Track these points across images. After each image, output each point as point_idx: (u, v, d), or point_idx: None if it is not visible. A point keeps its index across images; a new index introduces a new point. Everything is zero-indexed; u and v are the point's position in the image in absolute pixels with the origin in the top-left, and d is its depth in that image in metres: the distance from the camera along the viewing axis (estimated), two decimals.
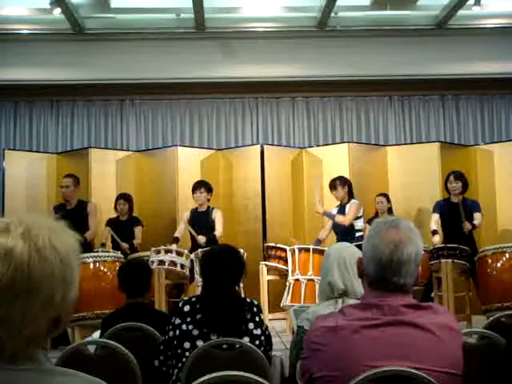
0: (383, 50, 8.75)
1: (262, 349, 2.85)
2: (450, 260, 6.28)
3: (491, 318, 3.68)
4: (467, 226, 6.52)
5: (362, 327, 1.92)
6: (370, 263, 1.99)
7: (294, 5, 8.50)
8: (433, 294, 6.57)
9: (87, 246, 6.58)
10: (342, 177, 7.30)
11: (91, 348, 3.43)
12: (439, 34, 8.80)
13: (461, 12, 8.32)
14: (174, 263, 6.35)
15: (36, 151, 9.02)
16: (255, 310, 2.90)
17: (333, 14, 8.37)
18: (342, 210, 7.17)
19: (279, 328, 6.73)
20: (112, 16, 8.56)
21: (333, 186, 7.20)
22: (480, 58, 8.79)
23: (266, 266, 6.86)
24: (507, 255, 6.14)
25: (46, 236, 1.16)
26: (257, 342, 2.84)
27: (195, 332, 2.81)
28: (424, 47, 8.79)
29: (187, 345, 2.79)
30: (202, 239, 6.80)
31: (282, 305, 6.45)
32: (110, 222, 7.49)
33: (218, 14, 8.56)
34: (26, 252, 1.12)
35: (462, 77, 8.95)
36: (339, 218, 6.95)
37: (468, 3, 8.01)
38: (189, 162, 8.29)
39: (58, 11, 7.83)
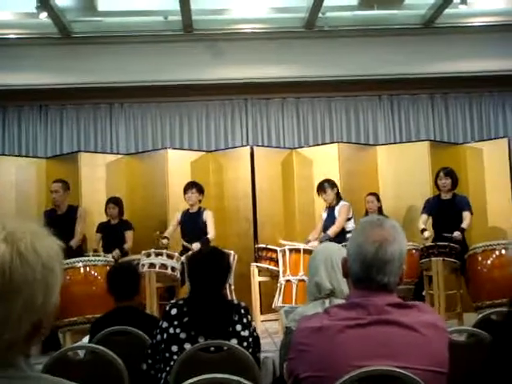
0: (371, 50, 8.76)
1: (251, 350, 2.85)
2: (440, 258, 6.29)
3: (480, 316, 3.69)
4: (457, 237, 6.50)
5: (347, 327, 1.92)
6: (354, 262, 1.99)
7: (282, 5, 8.50)
8: (424, 293, 6.58)
9: (73, 253, 6.51)
10: (330, 179, 7.33)
11: (81, 353, 3.42)
12: (427, 32, 8.81)
13: (447, 11, 8.35)
14: (164, 266, 6.32)
15: (25, 156, 8.98)
16: (242, 311, 2.90)
17: (320, 15, 8.38)
18: (331, 212, 7.18)
19: (272, 329, 6.72)
20: (99, 19, 8.53)
21: (322, 189, 7.21)
22: (468, 56, 8.82)
23: (258, 267, 6.85)
24: (497, 252, 6.17)
25: (29, 240, 1.16)
26: (245, 344, 2.83)
27: (182, 335, 2.80)
28: (412, 46, 8.81)
29: (175, 348, 2.78)
30: (196, 247, 6.76)
31: (273, 306, 6.44)
32: (101, 227, 7.49)
33: (206, 16, 8.55)
34: (8, 255, 1.12)
35: (450, 75, 8.98)
36: (332, 230, 6.92)
37: (454, 2, 8.04)
38: (179, 165, 8.27)
39: (44, 15, 7.80)
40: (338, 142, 8.63)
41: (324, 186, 7.20)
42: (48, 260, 1.17)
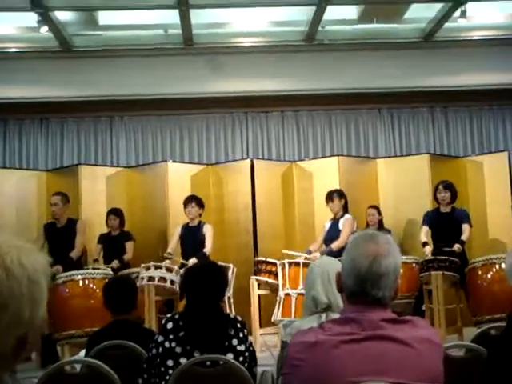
0: (371, 63, 8.79)
1: (247, 365, 2.83)
2: (440, 272, 6.27)
3: (479, 330, 3.67)
4: (457, 250, 6.48)
5: (342, 342, 1.90)
6: (348, 276, 1.99)
7: (282, 19, 8.54)
8: (424, 307, 6.55)
9: (74, 265, 6.56)
10: (340, 190, 7.39)
11: (78, 367, 3.40)
12: (426, 46, 8.84)
13: (447, 24, 8.37)
14: (163, 279, 6.32)
15: (26, 169, 9.00)
16: (239, 325, 2.88)
17: (320, 28, 8.41)
18: (335, 224, 7.18)
19: (271, 343, 6.69)
20: (100, 33, 8.57)
21: (330, 197, 7.27)
22: (467, 69, 8.84)
23: (257, 280, 6.84)
24: (497, 266, 6.14)
25: (15, 254, 1.16)
26: (241, 359, 2.81)
27: (178, 349, 2.78)
28: (411, 60, 8.84)
29: (170, 362, 2.77)
30: (192, 262, 6.74)
31: (272, 319, 6.42)
32: (102, 238, 7.49)
33: (206, 30, 8.59)
34: None
35: (450, 89, 9.00)
36: (335, 245, 6.87)
37: (454, 16, 8.07)
38: (179, 178, 8.28)
39: (45, 29, 7.84)
40: (337, 155, 8.64)
41: (333, 195, 7.26)
42: (34, 274, 1.16)
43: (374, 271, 1.93)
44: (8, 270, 1.13)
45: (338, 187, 7.73)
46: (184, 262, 6.82)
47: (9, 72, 8.56)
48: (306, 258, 6.79)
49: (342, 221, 7.14)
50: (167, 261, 6.80)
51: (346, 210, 7.26)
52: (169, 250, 7.04)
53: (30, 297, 1.15)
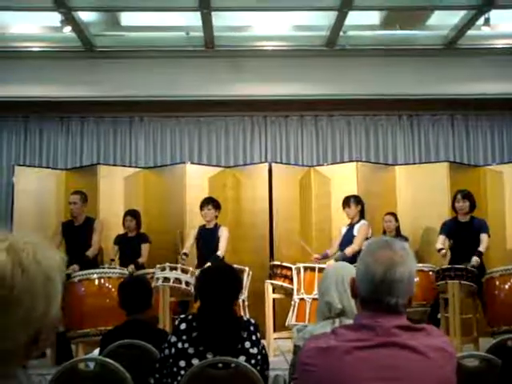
0: (392, 70, 8.75)
1: (259, 368, 2.82)
2: (456, 281, 6.21)
3: (495, 341, 3.63)
4: (475, 262, 6.42)
5: (354, 348, 1.89)
6: (362, 283, 1.98)
7: (303, 24, 8.53)
8: (439, 316, 6.49)
9: (90, 263, 6.61)
10: (357, 196, 7.41)
11: (91, 365, 3.42)
12: (448, 53, 8.78)
13: (470, 32, 8.30)
14: (178, 280, 6.33)
15: (45, 167, 9.07)
16: (252, 328, 2.88)
17: (342, 33, 8.38)
18: (350, 229, 7.19)
19: (284, 347, 6.67)
20: (122, 34, 8.63)
21: (346, 202, 7.31)
22: (489, 77, 8.77)
23: (272, 284, 6.83)
24: None
25: (31, 251, 1.17)
26: (253, 361, 2.81)
27: (191, 350, 2.78)
28: (433, 67, 8.78)
29: (182, 363, 2.77)
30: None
31: (286, 324, 6.41)
32: (119, 239, 7.53)
33: (228, 33, 8.60)
34: (10, 265, 1.13)
35: (471, 96, 8.93)
36: (349, 250, 6.86)
37: (477, 23, 8.00)
38: (197, 179, 8.30)
39: (68, 29, 7.91)
40: (356, 161, 8.61)
41: (350, 200, 7.29)
42: (49, 271, 1.18)
43: (389, 278, 1.92)
44: (23, 266, 1.14)
45: (355, 193, 7.70)
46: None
47: (31, 71, 8.64)
48: (316, 260, 6.82)
49: (357, 226, 7.16)
50: (183, 258, 6.80)
51: (362, 215, 7.28)
52: (184, 250, 7.05)
53: (45, 293, 1.17)
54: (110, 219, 7.91)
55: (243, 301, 6.51)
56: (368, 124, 9.45)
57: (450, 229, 6.88)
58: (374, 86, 8.78)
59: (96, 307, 5.95)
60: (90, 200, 7.41)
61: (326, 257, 7.09)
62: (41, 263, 1.17)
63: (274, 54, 8.82)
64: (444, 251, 6.66)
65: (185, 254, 6.98)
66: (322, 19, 8.20)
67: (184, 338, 2.80)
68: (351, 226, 7.23)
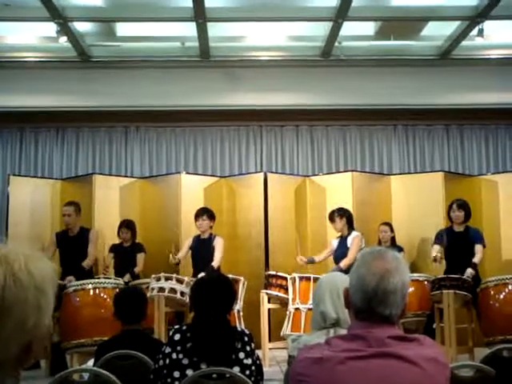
0: (387, 80, 8.79)
1: (253, 379, 2.81)
2: (451, 291, 6.21)
3: (490, 351, 3.63)
4: (470, 274, 6.43)
5: (348, 359, 1.89)
6: (356, 293, 1.97)
7: (299, 34, 8.58)
8: (434, 326, 6.49)
9: (85, 274, 6.59)
10: (341, 208, 7.29)
11: (86, 375, 3.41)
12: (443, 64, 8.84)
13: (464, 43, 8.37)
14: (174, 290, 6.32)
15: (41, 177, 9.06)
16: (246, 339, 2.87)
17: (337, 44, 8.44)
18: (343, 242, 7.14)
19: (280, 357, 6.67)
20: (118, 44, 8.67)
21: (331, 218, 7.27)
22: (484, 88, 8.82)
23: (267, 294, 6.82)
24: (510, 287, 6.08)
25: (23, 262, 1.17)
26: (247, 372, 2.80)
27: (185, 361, 2.77)
28: (428, 77, 8.83)
29: (177, 374, 2.76)
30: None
31: (281, 334, 6.40)
32: (114, 248, 7.52)
33: (223, 43, 8.64)
34: (2, 275, 1.13)
35: (466, 107, 8.98)
36: (344, 263, 6.81)
37: (471, 34, 8.06)
38: (192, 189, 8.30)
39: (64, 39, 7.93)
40: (351, 171, 8.62)
41: (333, 214, 7.23)
42: (41, 282, 1.17)
43: (382, 288, 1.92)
44: (15, 276, 1.14)
45: (351, 203, 7.71)
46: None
47: (27, 81, 8.66)
48: (300, 260, 6.87)
49: (349, 239, 7.10)
50: (175, 257, 6.79)
51: (351, 226, 7.19)
52: (179, 256, 7.02)
53: (36, 304, 1.16)
54: (105, 229, 7.90)
55: (238, 311, 6.49)
56: (363, 134, 9.48)
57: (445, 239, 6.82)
58: (369, 97, 8.82)
59: (91, 317, 5.93)
60: (85, 210, 7.40)
61: (311, 262, 7.10)
62: (33, 274, 1.16)
63: (270, 65, 8.86)
64: (439, 255, 6.62)
65: (178, 259, 6.96)
66: (317, 30, 8.24)
67: (178, 348, 2.79)
68: (344, 239, 7.17)
